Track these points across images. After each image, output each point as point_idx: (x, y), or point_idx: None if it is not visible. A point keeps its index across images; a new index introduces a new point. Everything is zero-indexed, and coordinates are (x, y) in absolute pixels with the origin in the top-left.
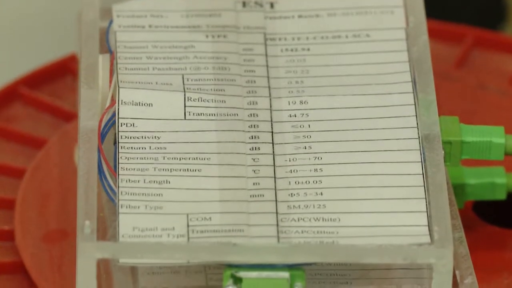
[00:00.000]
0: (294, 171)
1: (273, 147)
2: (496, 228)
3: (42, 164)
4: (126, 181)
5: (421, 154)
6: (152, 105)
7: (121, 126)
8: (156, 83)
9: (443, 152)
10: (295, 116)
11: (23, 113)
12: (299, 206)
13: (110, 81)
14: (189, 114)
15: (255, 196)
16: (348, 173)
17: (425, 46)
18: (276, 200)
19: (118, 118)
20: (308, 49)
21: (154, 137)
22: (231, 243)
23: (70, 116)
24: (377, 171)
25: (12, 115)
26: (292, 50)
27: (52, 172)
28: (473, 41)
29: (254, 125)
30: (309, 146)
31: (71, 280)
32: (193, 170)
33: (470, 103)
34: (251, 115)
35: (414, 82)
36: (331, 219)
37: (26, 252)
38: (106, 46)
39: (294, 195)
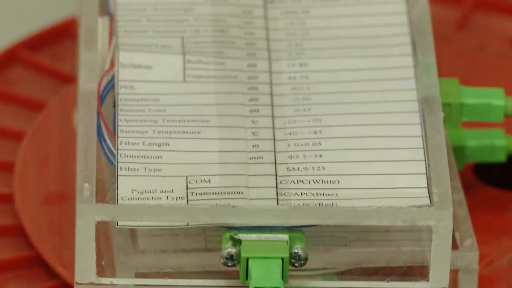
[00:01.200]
0: (293, 133)
1: (272, 109)
2: (496, 190)
3: (42, 127)
4: (126, 143)
5: (420, 116)
6: (151, 68)
7: (121, 88)
8: (156, 45)
9: (442, 114)
10: (295, 78)
11: (23, 76)
12: (298, 168)
13: (110, 44)
14: (189, 77)
15: (255, 158)
16: (348, 135)
17: (425, 8)
18: (275, 162)
19: (117, 80)
20: (308, 12)
21: (153, 100)
22: (230, 205)
23: (70, 79)
24: (376, 133)
25: (12, 78)
26: (291, 12)
27: (52, 135)
28: (473, 3)
29: (254, 88)
30: (308, 108)
31: (70, 243)
32: (192, 133)
33: (470, 65)
34: (250, 77)
35: (413, 45)
36: (330, 181)
37: (26, 214)
38: (105, 8)
39: (294, 157)
